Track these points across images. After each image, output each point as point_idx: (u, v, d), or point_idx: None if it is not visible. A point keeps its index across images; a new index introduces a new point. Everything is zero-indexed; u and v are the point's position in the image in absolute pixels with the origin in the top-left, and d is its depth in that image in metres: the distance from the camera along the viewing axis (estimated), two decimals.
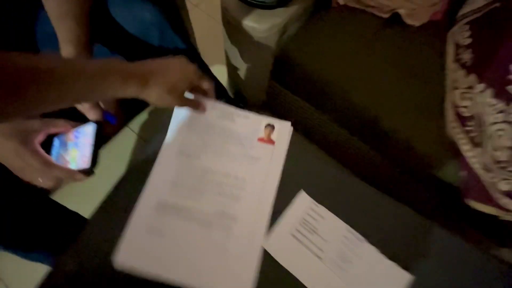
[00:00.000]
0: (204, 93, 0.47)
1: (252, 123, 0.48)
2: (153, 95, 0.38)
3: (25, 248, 0.55)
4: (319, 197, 0.44)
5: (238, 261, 0.40)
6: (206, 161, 0.45)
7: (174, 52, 0.60)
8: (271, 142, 0.47)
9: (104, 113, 0.43)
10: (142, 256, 0.39)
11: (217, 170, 0.44)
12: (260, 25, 0.58)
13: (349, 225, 0.42)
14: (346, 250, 0.41)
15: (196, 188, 0.43)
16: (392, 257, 0.41)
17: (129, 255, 0.39)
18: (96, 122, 0.42)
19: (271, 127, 0.48)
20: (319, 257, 0.41)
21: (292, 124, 0.49)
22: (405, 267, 0.40)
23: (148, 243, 0.40)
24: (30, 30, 0.57)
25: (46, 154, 0.40)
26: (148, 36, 0.56)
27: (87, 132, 0.42)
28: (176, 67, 0.41)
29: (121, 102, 0.45)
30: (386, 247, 0.41)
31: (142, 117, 1.01)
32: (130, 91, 0.37)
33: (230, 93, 0.93)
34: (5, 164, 0.39)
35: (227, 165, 0.45)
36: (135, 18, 0.55)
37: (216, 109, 0.48)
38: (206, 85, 0.46)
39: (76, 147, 0.42)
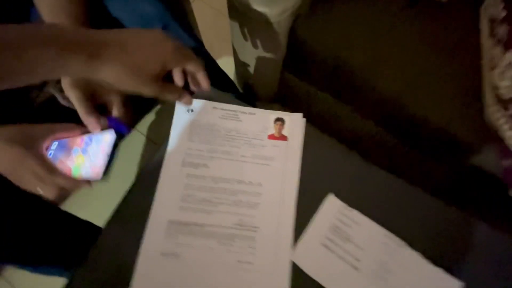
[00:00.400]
0: (195, 80, 0.38)
1: (259, 119, 0.44)
2: (109, 74, 0.29)
3: (36, 262, 0.52)
4: (350, 200, 0.39)
5: (267, 277, 0.36)
6: (215, 169, 0.41)
7: None
8: (283, 138, 0.43)
9: (113, 121, 0.38)
10: (160, 285, 0.36)
11: (228, 178, 0.41)
12: (271, 9, 0.53)
13: (386, 229, 0.38)
14: (386, 258, 0.36)
15: (208, 200, 0.39)
16: (437, 261, 0.36)
17: (146, 285, 0.35)
18: (116, 131, 0.38)
19: (281, 121, 0.44)
20: (355, 268, 0.36)
21: (304, 116, 0.44)
22: (452, 271, 0.36)
23: (164, 268, 0.36)
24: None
25: (52, 161, 0.36)
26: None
27: (104, 140, 0.37)
28: (146, 41, 0.31)
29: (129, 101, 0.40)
30: (429, 250, 0.37)
31: (150, 117, 0.97)
32: (74, 69, 0.27)
33: (239, 88, 0.88)
34: (4, 173, 0.35)
35: (238, 170, 0.41)
36: (135, 12, 0.50)
37: (218, 109, 0.44)
38: (193, 67, 0.36)
39: (85, 153, 0.38)
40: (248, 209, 0.39)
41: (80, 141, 0.39)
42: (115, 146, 0.37)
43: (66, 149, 0.39)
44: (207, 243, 0.37)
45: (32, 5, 0.52)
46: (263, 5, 0.53)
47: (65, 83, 0.37)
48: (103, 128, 0.37)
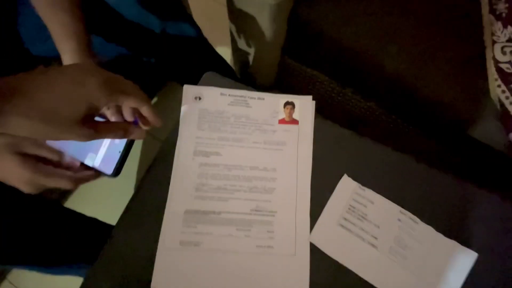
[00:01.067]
0: (142, 118, 0.33)
1: (269, 104, 0.43)
2: (19, 129, 0.25)
3: (43, 263, 0.52)
4: (362, 179, 0.40)
5: (287, 260, 0.36)
6: (228, 157, 0.40)
7: (179, 37, 0.54)
8: (294, 122, 0.43)
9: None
10: (181, 275, 0.36)
11: (242, 165, 0.40)
12: None
13: (400, 206, 0.38)
14: (402, 234, 0.37)
15: (223, 188, 0.39)
16: (450, 234, 0.37)
17: (166, 276, 0.35)
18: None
19: (291, 105, 0.43)
20: (373, 246, 0.37)
21: (313, 99, 0.44)
22: (466, 243, 0.37)
23: (184, 257, 0.36)
24: (13, 28, 0.50)
25: (60, 170, 0.34)
26: (147, 19, 0.50)
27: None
28: (63, 81, 0.26)
29: None
30: (442, 224, 0.38)
31: None
32: None
33: (238, 76, 0.87)
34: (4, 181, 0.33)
35: (251, 157, 0.41)
36: (132, 1, 0.48)
37: (226, 95, 0.43)
38: (134, 102, 0.30)
39: (98, 145, 0.37)
40: (264, 194, 0.39)
41: None
42: (130, 144, 0.36)
43: None
44: (226, 230, 0.37)
45: (19, 4, 0.49)
46: None
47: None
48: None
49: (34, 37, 0.51)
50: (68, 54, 0.37)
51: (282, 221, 0.38)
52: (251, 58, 0.74)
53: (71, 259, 0.54)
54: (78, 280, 0.38)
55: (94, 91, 0.27)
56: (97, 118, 0.37)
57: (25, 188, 0.32)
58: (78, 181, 0.34)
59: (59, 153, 0.35)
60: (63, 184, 0.33)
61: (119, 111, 0.35)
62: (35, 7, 0.40)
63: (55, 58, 0.54)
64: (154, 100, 0.96)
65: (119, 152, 0.36)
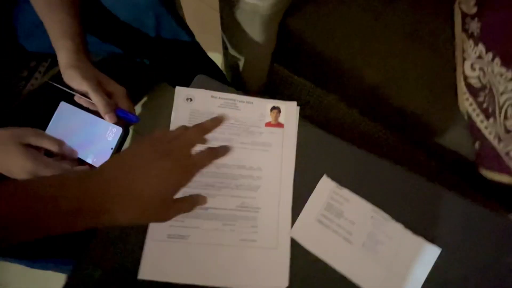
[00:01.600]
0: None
1: (257, 108, 0.46)
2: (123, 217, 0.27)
3: (31, 256, 0.52)
4: (340, 180, 0.43)
5: (269, 252, 0.39)
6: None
7: (173, 40, 0.56)
8: (279, 125, 0.45)
9: (121, 111, 0.39)
10: (167, 266, 0.38)
11: (230, 164, 0.43)
12: (263, 2, 0.54)
13: (373, 205, 0.42)
14: (374, 230, 0.41)
15: (211, 185, 0.41)
16: (417, 231, 0.41)
17: (153, 267, 0.37)
18: (124, 126, 0.38)
19: (277, 109, 0.46)
20: (348, 241, 0.40)
21: (300, 105, 0.47)
22: (432, 240, 0.40)
23: (172, 250, 0.38)
24: (9, 24, 0.51)
25: (58, 162, 0.36)
26: (143, 21, 0.52)
27: (111, 132, 0.38)
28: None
29: None
30: (411, 222, 0.41)
31: (137, 111, 0.96)
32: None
33: (228, 80, 0.90)
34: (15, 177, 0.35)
35: (239, 156, 0.43)
36: (128, 2, 0.50)
37: (216, 98, 0.45)
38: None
39: (89, 137, 0.39)
40: (250, 191, 0.42)
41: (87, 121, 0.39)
42: (122, 141, 0.38)
43: (69, 120, 0.39)
44: (212, 225, 0.40)
45: (16, 4, 0.50)
46: None
47: (75, 76, 0.37)
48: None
49: (30, 33, 0.52)
50: (64, 52, 0.38)
51: (265, 217, 0.41)
52: (241, 64, 0.77)
53: (57, 253, 0.55)
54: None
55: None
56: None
57: (26, 176, 0.33)
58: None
59: (59, 143, 0.37)
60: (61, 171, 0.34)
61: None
62: (33, 4, 0.41)
63: (50, 55, 0.56)
64: (144, 100, 0.97)
65: (111, 148, 0.38)
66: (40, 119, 0.41)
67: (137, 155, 0.29)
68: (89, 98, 0.38)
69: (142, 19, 0.52)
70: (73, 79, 0.37)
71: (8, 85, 0.53)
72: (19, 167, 0.33)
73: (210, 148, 0.34)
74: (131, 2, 0.50)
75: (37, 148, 0.36)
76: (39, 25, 0.50)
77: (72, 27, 0.39)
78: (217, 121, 0.35)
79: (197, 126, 0.34)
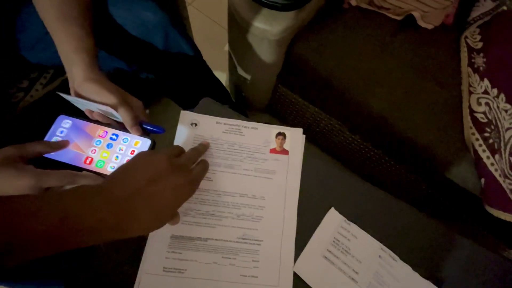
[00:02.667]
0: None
1: (261, 133, 0.45)
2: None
3: (15, 276, 0.49)
4: (348, 214, 0.41)
5: None
6: (218, 183, 0.41)
7: (179, 56, 0.55)
8: (284, 152, 0.44)
9: (147, 124, 0.38)
10: None
11: (232, 191, 0.41)
12: (273, 27, 0.54)
13: (381, 243, 0.40)
14: (381, 270, 0.39)
15: (211, 214, 0.39)
16: (425, 274, 0.39)
17: None
18: (154, 132, 0.38)
19: (282, 136, 0.45)
20: (354, 280, 0.38)
21: (302, 127, 0.46)
22: (439, 283, 0.39)
23: (167, 284, 0.35)
24: (10, 32, 0.50)
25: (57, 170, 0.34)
26: (151, 39, 0.52)
27: (140, 147, 0.38)
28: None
29: None
30: (419, 264, 0.40)
31: None
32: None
33: (232, 97, 0.89)
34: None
35: (242, 184, 0.41)
36: (137, 19, 0.50)
37: (221, 124, 0.44)
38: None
39: (110, 149, 0.38)
40: (252, 222, 0.40)
41: (103, 133, 0.39)
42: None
43: (83, 134, 0.38)
44: (211, 258, 0.37)
45: (23, 5, 0.50)
46: (265, 23, 0.54)
47: (98, 90, 0.36)
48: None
49: (33, 45, 0.51)
50: (80, 65, 0.37)
51: (267, 250, 0.39)
52: (247, 83, 0.77)
53: (41, 275, 0.52)
54: None
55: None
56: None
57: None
58: (78, 177, 0.34)
59: (46, 143, 0.36)
60: (63, 181, 0.33)
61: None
62: (43, 19, 0.40)
63: (52, 66, 0.54)
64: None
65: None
66: (39, 130, 0.39)
67: (152, 168, 0.31)
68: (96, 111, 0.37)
69: (151, 36, 0.51)
70: (97, 92, 0.36)
71: (5, 94, 0.52)
72: (23, 187, 0.31)
73: (203, 160, 0.40)
74: (141, 20, 0.50)
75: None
76: (42, 38, 0.48)
77: (86, 40, 0.38)
78: (206, 146, 0.42)
79: (194, 148, 0.40)
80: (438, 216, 0.44)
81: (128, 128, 0.37)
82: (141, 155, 0.33)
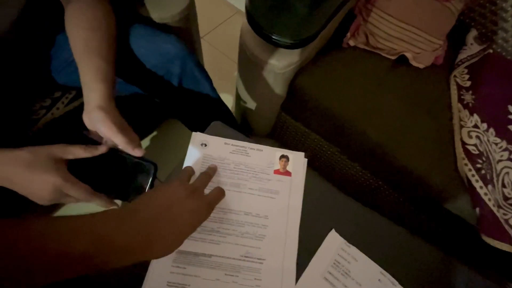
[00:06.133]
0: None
1: (266, 155, 0.47)
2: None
3: None
4: (348, 236, 0.43)
5: None
6: (224, 200, 0.43)
7: (193, 86, 0.60)
8: (287, 173, 0.47)
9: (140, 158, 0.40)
10: None
11: (237, 209, 0.43)
12: (279, 62, 0.60)
13: (380, 267, 0.41)
14: None
15: (216, 231, 0.41)
16: None
17: None
18: (154, 163, 0.40)
19: (285, 158, 0.48)
20: None
21: (304, 152, 0.49)
22: None
23: None
24: (46, 55, 0.56)
25: (82, 183, 0.37)
26: (169, 67, 0.57)
27: (145, 171, 0.40)
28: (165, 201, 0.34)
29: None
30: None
31: (144, 143, 0.98)
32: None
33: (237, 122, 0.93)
34: (34, 198, 0.36)
35: (246, 202, 0.43)
36: (158, 49, 0.55)
37: (229, 145, 0.47)
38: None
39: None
40: (255, 241, 0.41)
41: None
42: (154, 177, 0.40)
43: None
44: (214, 275, 0.38)
45: (58, 33, 0.55)
46: (272, 59, 0.60)
47: (104, 119, 0.38)
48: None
49: (63, 69, 0.56)
50: (97, 93, 0.40)
51: (269, 269, 0.39)
52: (252, 110, 0.81)
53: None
54: None
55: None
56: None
57: (49, 196, 0.34)
58: (94, 196, 0.37)
59: (83, 147, 0.38)
60: (82, 195, 0.35)
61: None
62: (72, 49, 0.44)
63: (74, 88, 0.59)
64: (154, 134, 1.00)
65: (146, 185, 0.40)
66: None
67: (171, 194, 0.34)
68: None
69: (168, 66, 0.56)
70: (102, 121, 0.38)
71: (28, 111, 0.55)
72: (48, 183, 0.34)
73: (218, 187, 0.42)
74: (163, 51, 0.55)
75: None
76: (72, 63, 0.53)
77: (107, 72, 0.42)
78: (214, 169, 0.44)
79: (204, 172, 0.43)
80: (439, 245, 0.45)
81: (129, 150, 0.39)
82: (158, 185, 0.36)
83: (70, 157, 0.37)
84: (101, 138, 0.41)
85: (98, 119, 0.39)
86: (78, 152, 0.37)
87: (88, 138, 0.41)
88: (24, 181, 0.35)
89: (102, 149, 0.39)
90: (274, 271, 0.39)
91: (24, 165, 0.34)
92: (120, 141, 0.38)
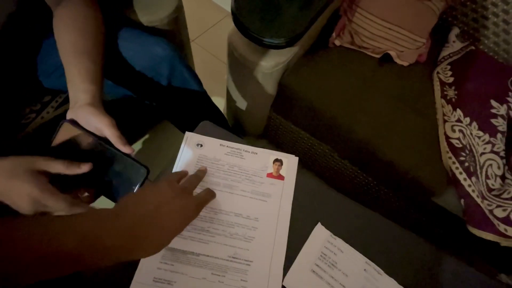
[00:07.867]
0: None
1: (260, 158, 0.47)
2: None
3: None
4: (334, 229, 0.44)
5: None
6: (216, 201, 0.43)
7: (183, 85, 0.61)
8: (280, 177, 0.47)
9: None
10: None
11: (228, 210, 0.43)
12: (267, 62, 0.61)
13: (366, 257, 0.42)
14: (367, 284, 0.40)
15: (206, 230, 0.41)
16: (411, 286, 0.41)
17: None
18: (146, 167, 0.39)
19: (279, 162, 0.48)
20: None
21: (295, 152, 0.49)
22: None
23: None
24: (32, 60, 0.56)
25: (61, 194, 0.36)
26: (158, 70, 0.57)
27: (138, 173, 0.39)
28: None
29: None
30: (404, 278, 0.41)
31: (136, 146, 0.98)
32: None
33: (229, 124, 0.94)
34: (16, 207, 0.35)
35: (238, 204, 0.43)
36: (148, 52, 0.56)
37: (224, 146, 0.48)
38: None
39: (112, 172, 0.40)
40: (244, 242, 0.41)
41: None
42: (145, 180, 0.39)
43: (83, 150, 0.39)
44: (201, 273, 0.38)
45: (44, 38, 0.56)
46: (259, 59, 0.61)
47: (96, 113, 0.38)
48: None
49: (52, 73, 0.57)
50: (88, 94, 0.41)
51: (256, 271, 0.40)
52: (243, 111, 0.82)
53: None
54: None
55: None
56: None
57: (28, 207, 0.34)
58: (74, 206, 0.36)
59: (66, 164, 0.37)
60: (61, 206, 0.34)
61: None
62: (60, 52, 0.44)
63: (64, 92, 0.59)
64: (146, 137, 1.00)
65: (135, 186, 0.39)
66: (47, 151, 0.42)
67: (159, 194, 0.34)
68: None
69: (157, 68, 0.57)
70: (94, 114, 0.38)
71: (18, 116, 0.56)
72: (25, 194, 0.33)
73: (208, 189, 0.42)
74: (151, 53, 0.55)
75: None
76: (60, 66, 0.54)
77: (96, 74, 0.43)
78: (204, 171, 0.45)
79: (194, 174, 0.43)
80: (426, 237, 0.46)
81: (119, 146, 0.38)
82: (146, 185, 0.36)
83: (52, 171, 0.36)
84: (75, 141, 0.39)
85: (89, 112, 0.38)
86: (59, 168, 0.36)
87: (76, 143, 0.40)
88: (5, 190, 0.34)
89: (84, 168, 0.37)
90: (261, 274, 0.40)
91: (5, 175, 0.34)
92: (111, 134, 0.38)
